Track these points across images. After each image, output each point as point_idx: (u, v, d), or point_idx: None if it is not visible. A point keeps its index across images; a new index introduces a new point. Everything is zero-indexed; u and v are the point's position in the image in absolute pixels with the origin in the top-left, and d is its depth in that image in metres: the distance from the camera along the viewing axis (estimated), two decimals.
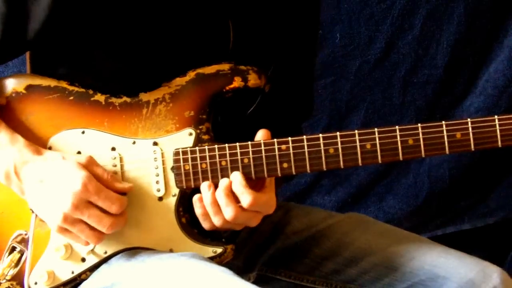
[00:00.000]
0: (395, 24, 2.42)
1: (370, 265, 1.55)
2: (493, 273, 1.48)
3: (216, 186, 1.40)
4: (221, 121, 1.47)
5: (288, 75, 1.60)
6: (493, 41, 2.44)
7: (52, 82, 1.47)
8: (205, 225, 1.42)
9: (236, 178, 1.39)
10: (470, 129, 1.35)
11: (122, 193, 1.41)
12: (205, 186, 1.40)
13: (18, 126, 1.44)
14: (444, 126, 1.36)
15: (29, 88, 1.47)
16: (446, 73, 2.45)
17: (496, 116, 1.35)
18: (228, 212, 1.37)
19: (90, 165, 1.39)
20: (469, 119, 1.35)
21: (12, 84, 1.47)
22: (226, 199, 1.37)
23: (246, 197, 1.37)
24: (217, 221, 1.39)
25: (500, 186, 2.53)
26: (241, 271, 1.34)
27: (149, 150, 1.44)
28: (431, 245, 1.55)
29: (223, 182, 1.39)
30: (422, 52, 2.44)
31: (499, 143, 1.35)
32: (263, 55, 1.53)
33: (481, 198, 2.54)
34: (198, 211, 1.41)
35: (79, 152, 1.44)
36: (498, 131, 1.35)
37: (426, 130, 1.37)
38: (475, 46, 2.44)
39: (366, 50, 2.45)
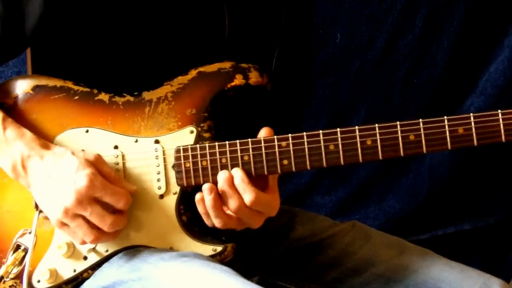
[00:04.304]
0: (396, 24, 2.42)
1: (374, 277, 1.54)
2: (495, 285, 1.48)
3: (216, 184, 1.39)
4: (225, 120, 1.47)
5: (287, 62, 1.59)
6: (493, 41, 2.44)
7: (58, 82, 1.48)
8: (208, 222, 1.41)
9: (238, 174, 1.38)
10: (472, 124, 1.33)
11: None
12: (206, 189, 1.38)
13: (24, 126, 1.44)
14: (446, 121, 1.34)
15: (36, 88, 1.48)
16: (446, 73, 2.45)
17: (499, 111, 1.32)
18: (232, 203, 1.37)
19: (97, 163, 1.39)
20: (471, 114, 1.33)
21: (19, 85, 1.48)
22: (230, 190, 1.37)
23: (248, 194, 1.36)
24: (218, 223, 1.39)
25: (500, 186, 2.52)
26: (243, 275, 1.33)
27: (151, 148, 1.44)
28: (434, 258, 1.55)
29: (223, 175, 1.38)
30: (422, 52, 2.44)
31: (503, 137, 1.32)
32: (259, 41, 1.53)
33: (481, 198, 2.53)
34: (201, 210, 1.40)
35: (83, 151, 1.44)
36: (501, 125, 1.32)
37: (427, 126, 1.36)
38: (475, 46, 2.44)
39: (366, 50, 2.44)
